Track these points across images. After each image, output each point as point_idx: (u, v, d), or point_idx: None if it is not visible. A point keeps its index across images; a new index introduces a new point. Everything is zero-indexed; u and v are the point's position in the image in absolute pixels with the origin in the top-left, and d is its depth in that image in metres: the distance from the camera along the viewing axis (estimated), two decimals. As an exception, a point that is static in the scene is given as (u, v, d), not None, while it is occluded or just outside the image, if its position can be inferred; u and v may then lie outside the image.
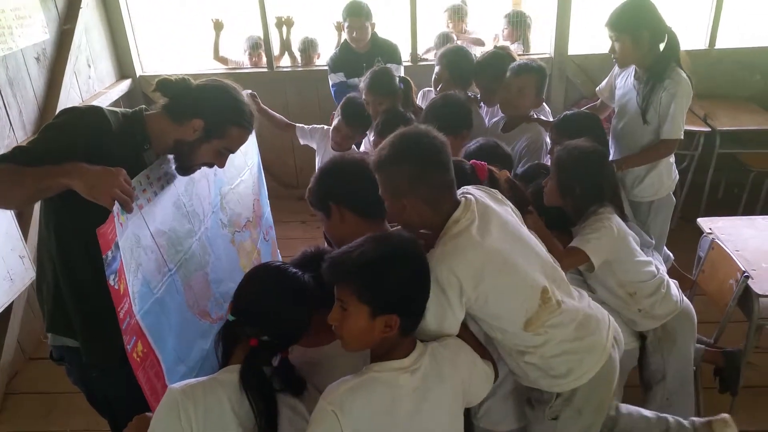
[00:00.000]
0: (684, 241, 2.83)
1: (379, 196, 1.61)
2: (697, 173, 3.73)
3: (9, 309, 2.69)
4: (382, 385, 1.27)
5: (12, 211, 2.62)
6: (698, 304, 2.38)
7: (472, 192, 1.53)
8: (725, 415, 1.79)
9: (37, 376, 2.87)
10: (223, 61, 4.39)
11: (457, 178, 1.59)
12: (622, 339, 1.65)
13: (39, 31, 3.06)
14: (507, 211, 1.55)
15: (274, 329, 1.32)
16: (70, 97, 3.34)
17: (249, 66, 4.30)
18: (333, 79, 3.54)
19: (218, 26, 4.28)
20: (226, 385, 1.27)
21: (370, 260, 1.28)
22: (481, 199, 1.51)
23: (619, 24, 2.38)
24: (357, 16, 3.39)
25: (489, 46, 3.78)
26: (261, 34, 4.10)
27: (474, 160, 1.74)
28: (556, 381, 1.53)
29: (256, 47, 4.22)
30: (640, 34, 2.34)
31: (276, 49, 4.22)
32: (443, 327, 1.41)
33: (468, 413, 1.69)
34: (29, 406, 2.72)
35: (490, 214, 1.49)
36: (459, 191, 1.52)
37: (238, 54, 4.42)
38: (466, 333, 1.48)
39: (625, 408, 1.86)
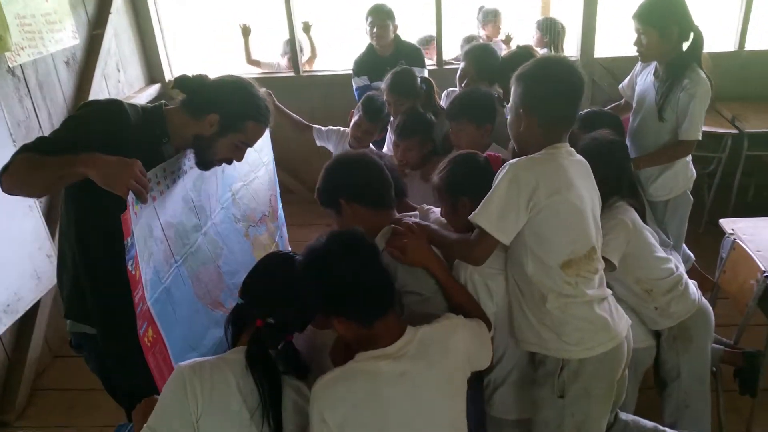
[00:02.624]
0: (711, 244, 2.73)
1: (386, 186, 1.62)
2: (725, 176, 3.62)
3: (36, 307, 2.75)
4: (362, 374, 1.28)
5: (40, 211, 2.69)
6: (721, 307, 2.34)
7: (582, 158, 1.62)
8: None
9: (62, 374, 2.93)
10: (256, 64, 4.41)
11: (470, 170, 1.58)
12: (631, 341, 1.64)
13: (69, 36, 3.14)
14: (596, 188, 1.62)
15: (278, 313, 1.35)
16: (99, 101, 3.42)
17: (286, 68, 4.34)
18: (357, 82, 3.56)
19: (246, 31, 4.33)
20: (233, 364, 1.29)
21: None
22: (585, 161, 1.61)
23: (649, 17, 2.34)
24: (378, 13, 3.42)
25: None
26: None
27: (489, 153, 1.73)
28: (565, 347, 1.52)
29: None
30: (669, 30, 2.30)
31: (307, 53, 4.28)
32: (501, 224, 1.48)
33: (482, 400, 1.70)
34: (54, 402, 2.78)
35: (588, 173, 1.59)
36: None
37: (272, 56, 4.44)
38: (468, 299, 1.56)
39: (625, 416, 1.83)
